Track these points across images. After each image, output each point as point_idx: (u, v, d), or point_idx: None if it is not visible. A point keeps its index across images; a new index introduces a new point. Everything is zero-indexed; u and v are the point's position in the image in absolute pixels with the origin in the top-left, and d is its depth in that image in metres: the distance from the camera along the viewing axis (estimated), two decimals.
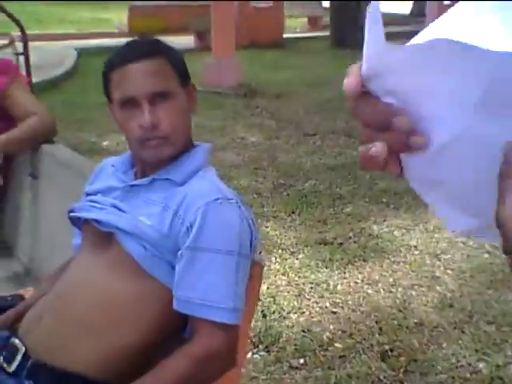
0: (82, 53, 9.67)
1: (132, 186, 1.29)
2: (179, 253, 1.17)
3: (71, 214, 1.39)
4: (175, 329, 1.23)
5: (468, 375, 2.34)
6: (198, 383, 1.15)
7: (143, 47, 1.28)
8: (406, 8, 20.90)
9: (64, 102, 6.21)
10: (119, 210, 1.26)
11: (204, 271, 1.14)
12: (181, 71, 1.28)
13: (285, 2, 12.77)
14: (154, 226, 1.19)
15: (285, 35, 12.54)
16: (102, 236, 1.27)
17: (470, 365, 2.40)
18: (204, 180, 1.25)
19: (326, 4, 13.46)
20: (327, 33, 12.30)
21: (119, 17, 14.20)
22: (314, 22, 14.79)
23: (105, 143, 5.25)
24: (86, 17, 16.10)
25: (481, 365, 2.39)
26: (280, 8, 12.23)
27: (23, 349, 1.22)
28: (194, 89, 1.34)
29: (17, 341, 1.24)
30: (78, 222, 1.40)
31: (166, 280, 1.19)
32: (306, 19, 15.03)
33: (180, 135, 1.26)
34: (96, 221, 1.27)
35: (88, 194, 1.39)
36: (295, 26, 14.62)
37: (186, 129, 1.29)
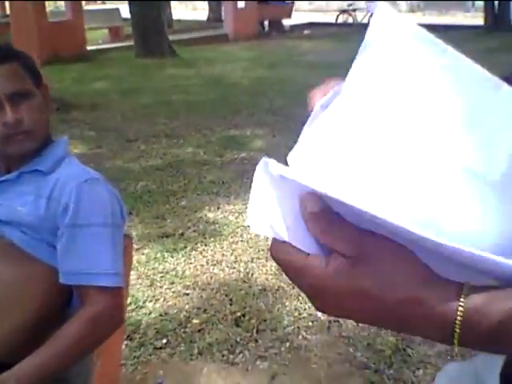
0: None
1: (0, 182, 1.37)
2: (59, 232, 1.29)
3: None
4: (61, 304, 1.34)
5: (310, 324, 2.69)
6: (93, 343, 1.28)
7: None
8: (202, 14, 21.68)
9: None
10: None
11: (84, 244, 1.28)
12: (34, 74, 1.40)
13: (84, 14, 12.58)
14: (30, 211, 1.30)
15: (88, 47, 12.37)
16: None
17: (310, 315, 2.75)
18: (71, 166, 1.40)
19: (126, 14, 13.52)
20: (131, 42, 12.38)
21: None
22: (115, 33, 14.76)
23: None
24: None
25: (319, 313, 2.75)
26: (79, 20, 12.04)
27: None
28: (47, 89, 1.46)
29: None
30: None
31: (48, 259, 1.30)
32: (107, 30, 14.93)
33: (41, 130, 1.38)
34: None
35: None
36: (97, 38, 14.45)
37: (46, 124, 1.41)
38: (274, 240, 0.47)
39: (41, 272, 1.31)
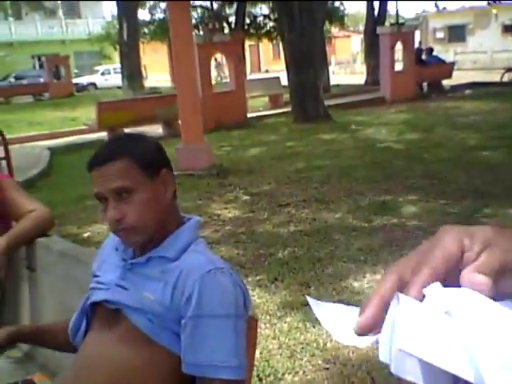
0: (55, 151, 9.95)
1: (132, 264, 1.44)
2: (183, 322, 1.31)
3: (89, 303, 1.48)
4: None
5: None
6: None
7: (107, 151, 1.42)
8: (361, 78, 21.95)
9: (42, 200, 6.34)
10: (123, 288, 1.41)
11: (207, 336, 1.29)
12: (146, 165, 1.40)
13: (246, 83, 13.36)
14: (157, 300, 1.34)
15: (249, 115, 13.04)
16: (109, 314, 1.41)
17: None
18: (196, 254, 1.40)
19: (284, 82, 14.14)
20: (289, 109, 12.84)
21: (86, 114, 14.65)
22: (275, 100, 15.41)
23: (86, 234, 5.38)
24: (54, 117, 16.54)
25: None
26: (241, 90, 12.79)
27: None
28: (169, 175, 1.45)
29: None
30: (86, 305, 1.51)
31: (172, 346, 1.33)
32: (267, 98, 15.67)
33: (147, 224, 1.39)
34: (105, 301, 1.42)
35: (95, 276, 1.53)
36: (258, 106, 15.20)
37: (155, 216, 1.40)
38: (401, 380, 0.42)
39: (165, 358, 1.33)
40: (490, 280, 0.43)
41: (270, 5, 24.66)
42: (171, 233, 1.44)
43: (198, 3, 25.91)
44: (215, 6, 23.93)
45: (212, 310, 1.30)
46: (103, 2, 34.26)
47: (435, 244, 0.46)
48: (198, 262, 1.37)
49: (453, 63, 18.33)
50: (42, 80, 26.63)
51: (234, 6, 24.75)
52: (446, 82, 17.23)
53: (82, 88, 29.81)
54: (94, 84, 31.57)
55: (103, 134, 11.12)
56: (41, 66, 30.55)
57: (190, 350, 1.30)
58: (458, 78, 18.23)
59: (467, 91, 16.76)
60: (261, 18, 26.44)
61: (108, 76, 32.09)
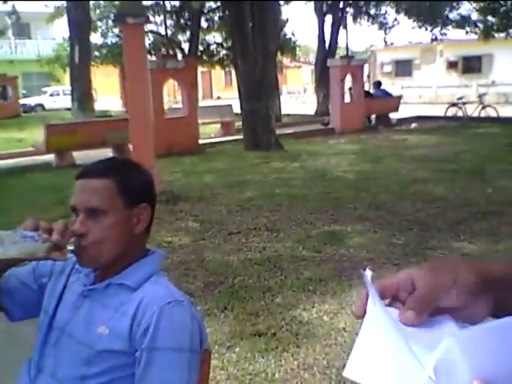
0: None
1: (90, 290, 1.41)
2: (137, 353, 1.29)
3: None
4: None
5: None
6: None
7: (95, 168, 1.43)
8: (311, 108, 22.36)
9: None
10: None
11: (160, 369, 1.27)
12: (127, 194, 1.40)
13: (198, 109, 13.40)
14: (113, 332, 1.32)
15: (201, 141, 13.06)
16: None
17: None
18: (157, 285, 1.39)
19: (237, 109, 14.26)
20: (240, 136, 12.94)
21: (33, 136, 14.36)
22: (226, 127, 15.50)
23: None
24: (0, 138, 16.13)
25: None
26: (193, 116, 12.81)
27: None
28: (146, 210, 1.44)
29: None
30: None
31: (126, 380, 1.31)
32: (219, 125, 15.74)
33: (104, 249, 1.36)
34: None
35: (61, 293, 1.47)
36: (210, 133, 15.25)
37: (115, 245, 1.38)
38: None
39: None
40: (413, 313, 0.58)
41: (223, 34, 24.95)
42: (133, 262, 1.43)
43: (150, 28, 25.94)
44: (169, 32, 24.03)
45: (167, 343, 1.28)
46: (54, 23, 33.73)
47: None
48: (157, 293, 1.36)
49: (400, 97, 18.91)
50: None
51: (188, 33, 24.93)
52: (392, 115, 17.75)
53: (29, 109, 29.28)
54: (41, 105, 31.04)
55: (50, 157, 10.91)
56: None
57: (143, 381, 1.28)
58: (404, 111, 18.82)
59: (413, 124, 17.30)
60: (214, 46, 26.67)
61: (57, 97, 31.61)
